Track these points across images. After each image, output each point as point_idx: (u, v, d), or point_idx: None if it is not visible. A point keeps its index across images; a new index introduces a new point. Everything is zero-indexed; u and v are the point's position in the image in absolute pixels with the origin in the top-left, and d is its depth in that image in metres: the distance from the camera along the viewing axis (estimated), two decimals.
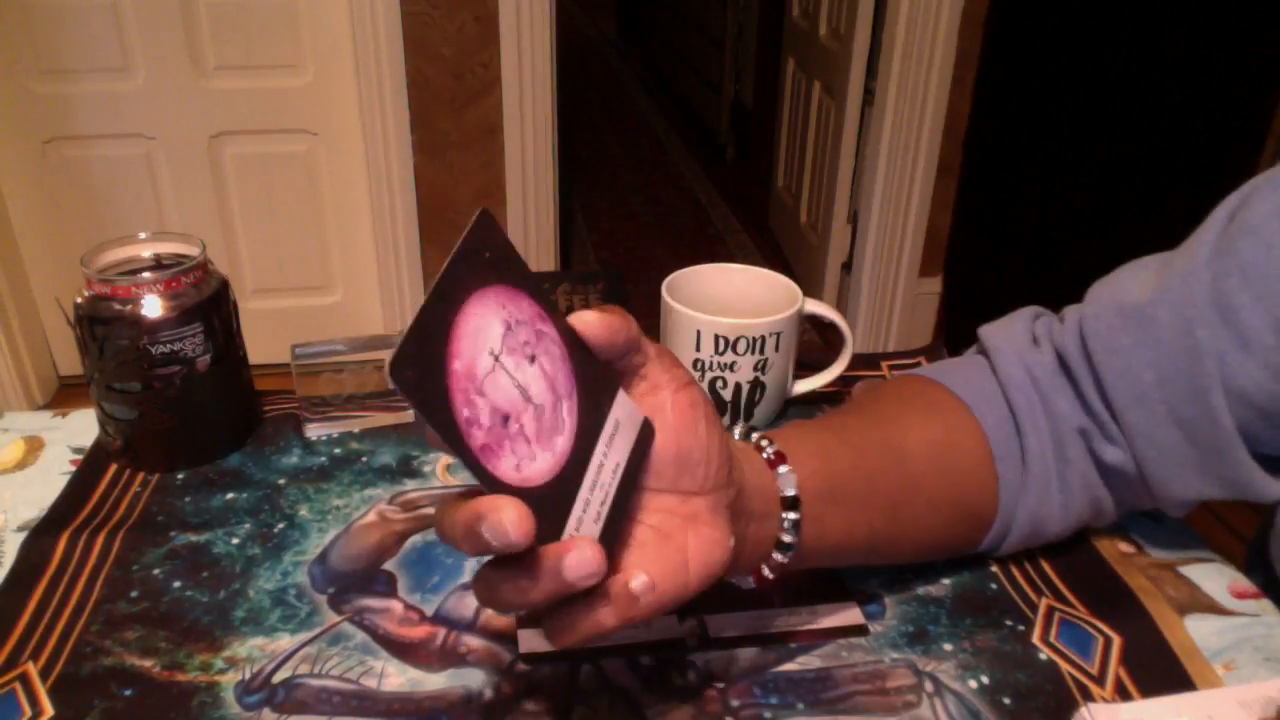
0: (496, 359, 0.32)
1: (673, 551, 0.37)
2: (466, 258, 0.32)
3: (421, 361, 0.30)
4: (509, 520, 0.30)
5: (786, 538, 0.43)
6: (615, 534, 0.36)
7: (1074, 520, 0.53)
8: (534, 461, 0.33)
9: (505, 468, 0.32)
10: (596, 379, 0.36)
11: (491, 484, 0.31)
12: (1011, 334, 0.54)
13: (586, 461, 0.35)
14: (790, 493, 0.43)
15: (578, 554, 0.32)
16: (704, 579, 0.38)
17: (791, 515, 0.43)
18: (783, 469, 0.44)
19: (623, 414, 0.37)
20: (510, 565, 0.33)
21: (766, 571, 0.44)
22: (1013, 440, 0.51)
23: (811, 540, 0.45)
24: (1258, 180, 0.48)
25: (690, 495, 0.38)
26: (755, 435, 0.45)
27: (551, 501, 0.33)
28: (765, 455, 0.44)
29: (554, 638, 0.36)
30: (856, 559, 0.50)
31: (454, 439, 0.30)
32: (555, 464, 0.34)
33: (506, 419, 0.32)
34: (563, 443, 0.34)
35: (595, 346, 0.36)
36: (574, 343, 0.35)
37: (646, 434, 0.38)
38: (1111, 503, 0.52)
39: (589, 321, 0.35)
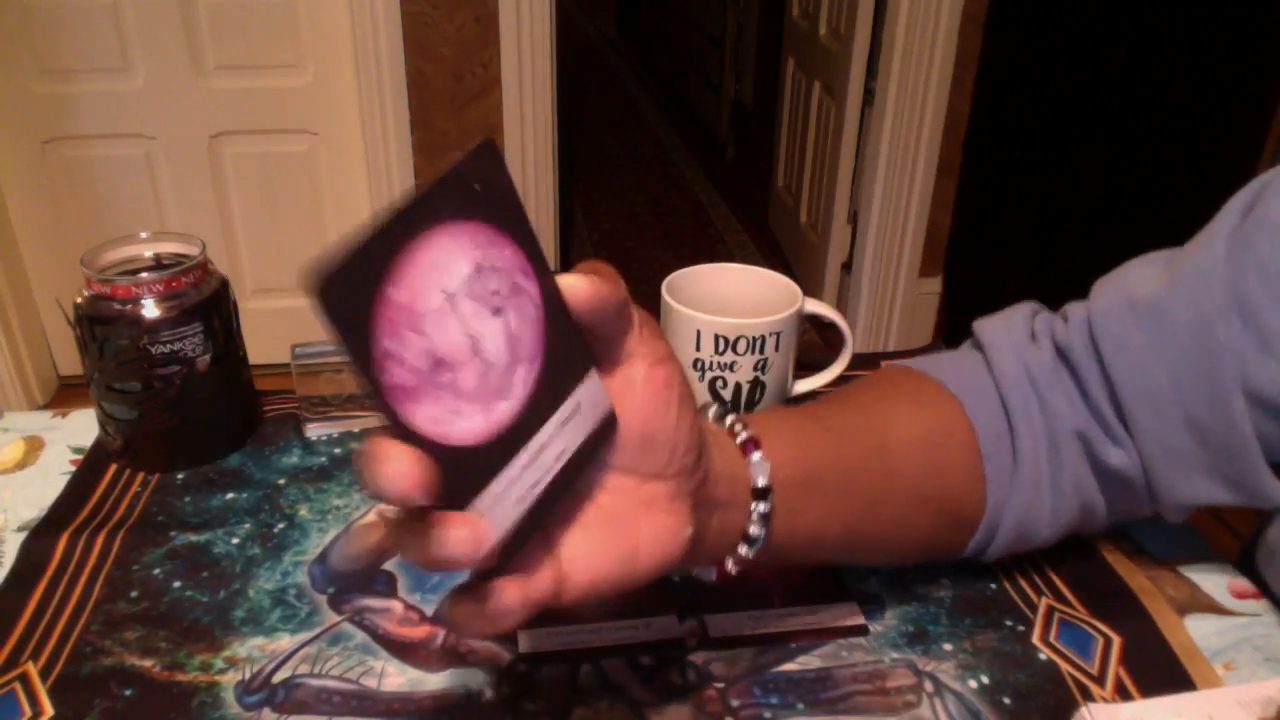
0: (451, 300, 0.29)
1: (621, 537, 0.35)
2: (449, 185, 0.29)
3: (349, 277, 0.26)
4: (393, 471, 0.27)
5: (753, 530, 0.41)
6: (538, 525, 0.33)
7: (1063, 525, 0.51)
8: (459, 418, 0.29)
9: (422, 416, 0.28)
10: (569, 353, 0.33)
11: (399, 429, 0.28)
12: (1009, 329, 0.52)
13: (529, 438, 0.31)
14: (761, 482, 0.40)
15: (451, 530, 0.28)
16: (654, 570, 0.35)
17: (761, 506, 0.40)
18: (755, 456, 0.41)
19: (587, 397, 0.33)
20: (413, 516, 0.29)
21: (730, 565, 0.42)
22: (1004, 439, 0.49)
23: (781, 534, 0.42)
24: (1266, 177, 0.47)
25: (649, 479, 0.35)
26: (730, 418, 0.42)
27: (469, 466, 0.30)
28: (738, 440, 0.41)
29: (441, 619, 0.33)
30: (830, 556, 0.48)
31: (363, 369, 0.27)
32: (488, 429, 0.30)
33: (440, 365, 0.29)
34: (505, 409, 0.31)
35: (578, 313, 0.32)
36: (555, 308, 0.32)
37: (608, 426, 0.34)
38: (1104, 509, 0.51)
39: (576, 287, 0.32)
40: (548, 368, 0.32)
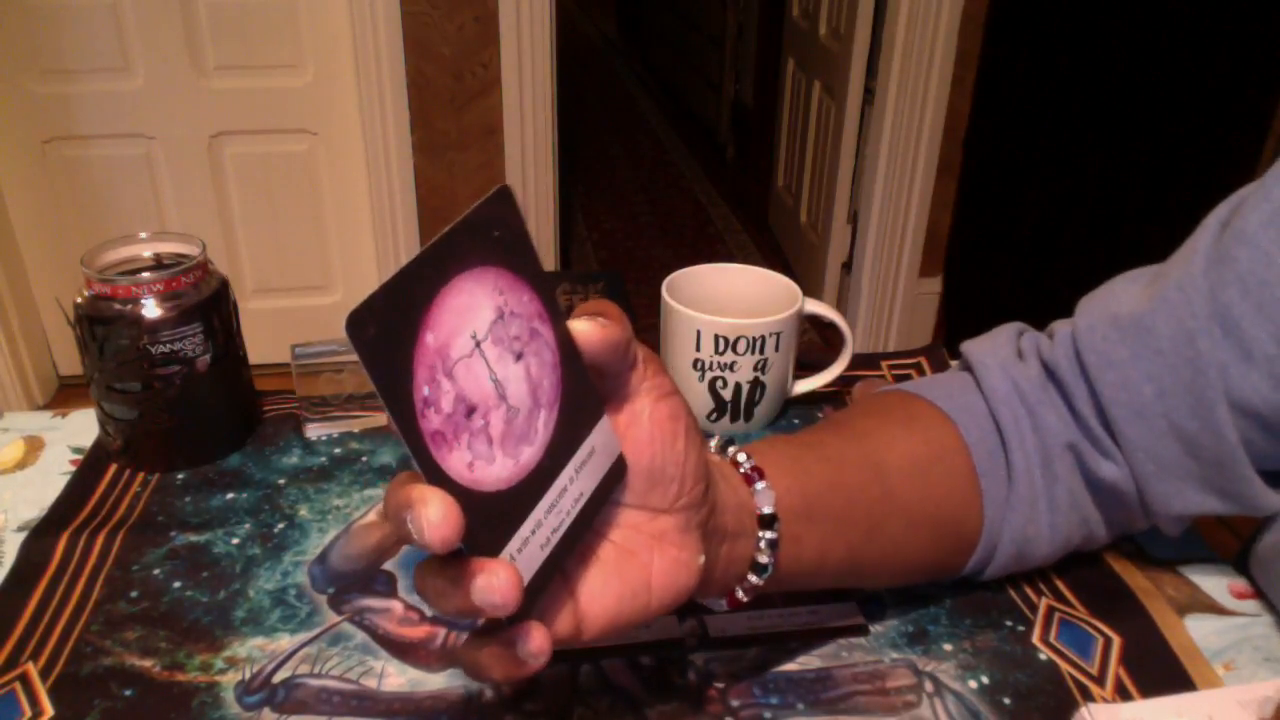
0: (478, 345, 0.29)
1: (635, 571, 0.35)
2: (472, 230, 0.29)
3: (389, 322, 0.26)
4: (429, 517, 0.27)
5: (762, 558, 0.41)
6: (559, 568, 0.33)
7: (1062, 542, 0.51)
8: (491, 465, 0.30)
9: (456, 462, 0.29)
10: (583, 397, 0.33)
11: (435, 475, 0.28)
12: (995, 348, 0.53)
13: (550, 482, 0.32)
14: (767, 510, 0.41)
15: (487, 577, 0.29)
16: (667, 603, 0.36)
17: (768, 534, 0.41)
18: (760, 485, 0.42)
19: (600, 442, 0.34)
20: (443, 563, 0.30)
21: (740, 594, 0.42)
22: (997, 455, 0.50)
23: (788, 561, 0.43)
24: (1244, 191, 0.47)
25: (659, 513, 0.36)
26: (731, 449, 0.43)
27: (499, 512, 0.30)
28: (742, 470, 0.42)
29: (460, 664, 0.33)
30: (834, 581, 0.48)
31: (403, 417, 0.27)
32: (515, 474, 0.31)
33: (472, 412, 0.29)
34: (530, 454, 0.31)
35: (589, 356, 0.33)
36: (569, 353, 0.32)
37: (617, 470, 0.35)
38: (1102, 524, 0.51)
39: (587, 332, 0.32)
40: (565, 412, 0.32)
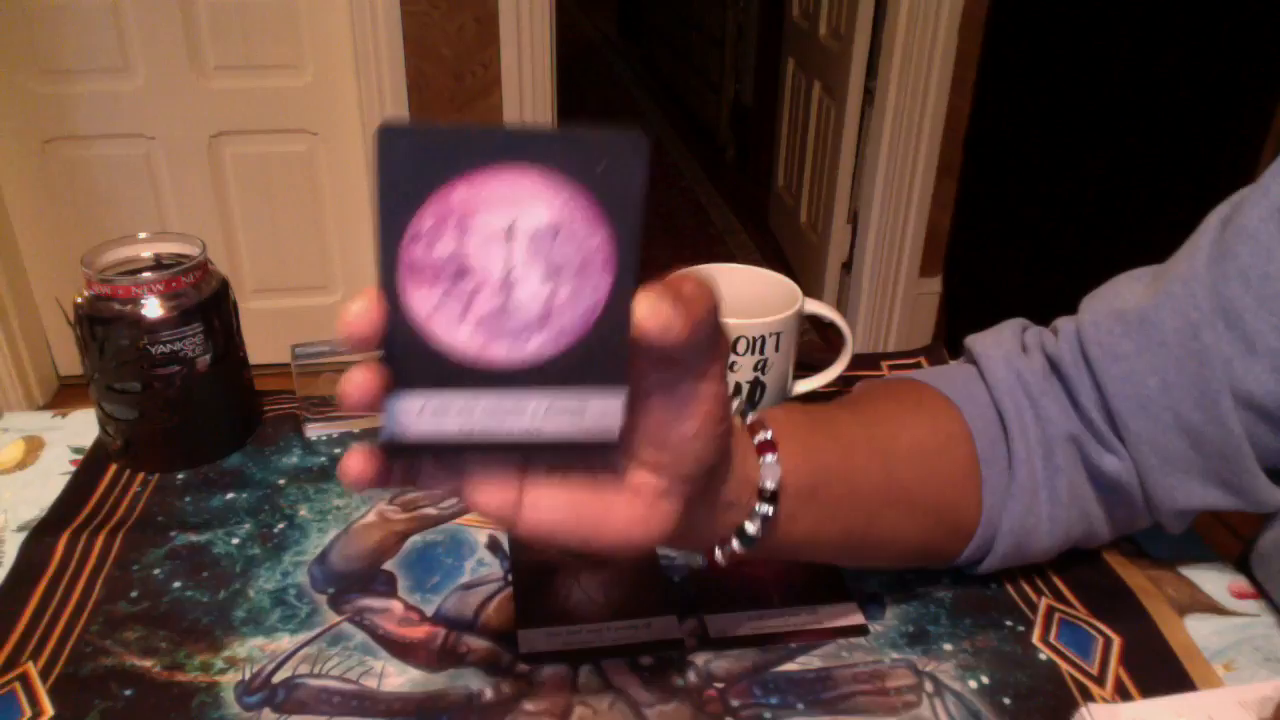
0: (511, 234, 0.29)
1: (592, 506, 0.35)
2: (573, 143, 0.28)
3: (428, 149, 0.27)
4: (350, 310, 0.29)
5: (751, 529, 0.41)
6: (474, 461, 0.34)
7: (1061, 535, 0.51)
8: (451, 325, 0.30)
9: (419, 300, 0.29)
10: (605, 361, 0.31)
11: (390, 291, 0.29)
12: (999, 342, 0.53)
13: (503, 389, 0.31)
14: (770, 486, 0.41)
15: (347, 377, 0.30)
16: (610, 549, 0.36)
17: (765, 509, 0.41)
18: (769, 458, 0.41)
19: (598, 411, 0.32)
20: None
21: (719, 557, 0.42)
22: (999, 444, 0.50)
23: (779, 536, 0.43)
24: (1244, 191, 0.48)
25: (645, 466, 0.36)
26: (752, 417, 0.43)
27: (432, 366, 0.30)
28: (757, 440, 0.42)
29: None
30: (825, 558, 0.49)
31: (388, 229, 0.28)
32: (468, 354, 0.30)
33: (463, 276, 0.29)
34: (500, 354, 0.30)
35: (639, 339, 0.31)
36: (620, 317, 0.31)
37: (598, 453, 0.33)
38: (1103, 519, 0.51)
39: (644, 319, 0.30)
40: (569, 356, 0.31)
